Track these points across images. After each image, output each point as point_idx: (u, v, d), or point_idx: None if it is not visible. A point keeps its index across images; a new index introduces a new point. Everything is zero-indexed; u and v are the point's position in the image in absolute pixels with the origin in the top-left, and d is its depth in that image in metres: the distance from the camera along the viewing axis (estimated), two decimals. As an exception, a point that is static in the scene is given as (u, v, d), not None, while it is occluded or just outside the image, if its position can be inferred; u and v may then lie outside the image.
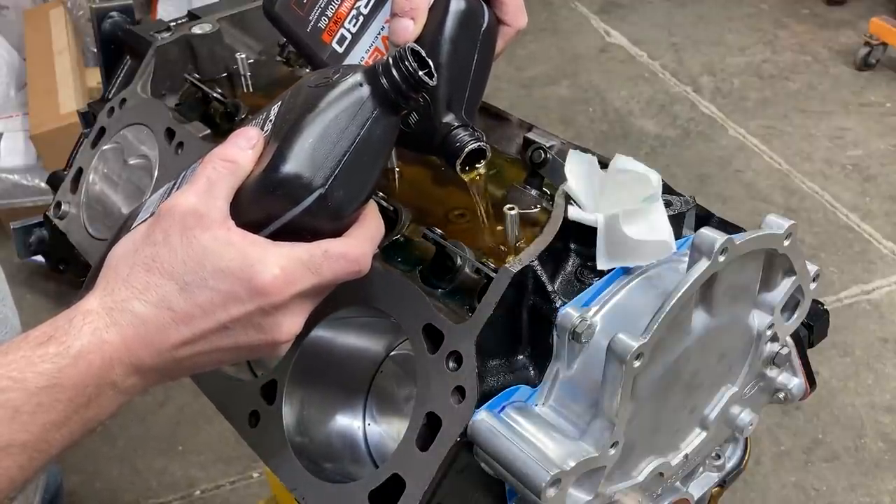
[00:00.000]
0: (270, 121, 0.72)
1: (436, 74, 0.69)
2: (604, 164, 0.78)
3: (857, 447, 2.11)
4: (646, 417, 0.71)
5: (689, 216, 0.82)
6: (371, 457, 0.89)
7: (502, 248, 0.83)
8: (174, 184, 0.77)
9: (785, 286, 0.76)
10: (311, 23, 0.85)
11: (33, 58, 3.13)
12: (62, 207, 1.13)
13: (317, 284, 0.67)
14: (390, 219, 0.88)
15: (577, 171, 0.78)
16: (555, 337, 0.72)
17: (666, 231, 0.73)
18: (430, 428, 0.72)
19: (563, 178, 0.78)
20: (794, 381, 0.85)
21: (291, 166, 0.66)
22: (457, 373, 0.71)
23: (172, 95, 1.18)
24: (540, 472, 0.65)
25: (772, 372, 0.82)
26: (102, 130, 1.13)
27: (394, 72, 0.67)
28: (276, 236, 0.68)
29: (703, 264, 0.65)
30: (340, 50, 0.84)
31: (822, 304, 0.87)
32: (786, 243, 0.71)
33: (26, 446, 0.62)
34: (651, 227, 0.73)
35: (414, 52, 0.68)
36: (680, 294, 0.64)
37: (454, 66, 0.79)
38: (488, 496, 0.76)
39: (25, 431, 0.61)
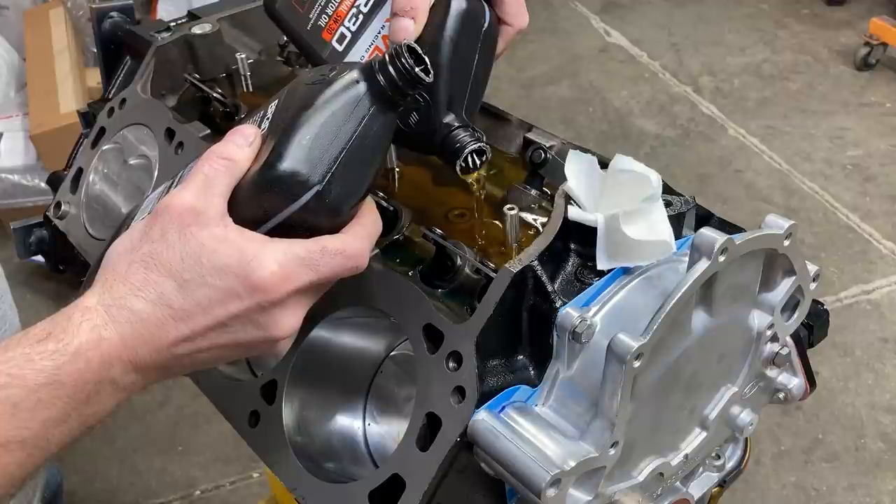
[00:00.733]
0: (268, 118, 0.72)
1: (432, 71, 0.69)
2: (604, 164, 0.78)
3: (857, 447, 2.11)
4: (646, 417, 0.71)
5: (689, 216, 0.82)
6: (371, 457, 0.89)
7: (502, 248, 0.83)
8: (172, 182, 0.77)
9: (785, 286, 0.76)
10: (312, 21, 0.85)
11: (33, 58, 3.13)
12: (62, 207, 1.13)
13: (315, 281, 0.67)
14: (390, 219, 0.88)
15: (577, 171, 0.78)
16: (555, 337, 0.72)
17: (666, 231, 0.73)
18: (430, 428, 0.72)
19: (563, 178, 0.78)
20: (794, 381, 0.85)
21: (288, 163, 0.67)
22: (457, 373, 0.71)
23: (172, 95, 1.18)
24: (540, 473, 0.65)
25: (772, 372, 0.82)
26: (102, 130, 1.13)
27: (390, 68, 0.67)
28: (274, 233, 0.68)
29: (703, 264, 0.65)
30: (340, 48, 0.84)
31: (822, 304, 0.87)
32: (786, 243, 0.71)
33: (26, 443, 0.62)
34: (651, 227, 0.73)
35: (410, 49, 0.68)
36: (680, 294, 0.64)
37: (455, 66, 0.79)
38: (488, 496, 0.76)
39: (25, 428, 0.61)
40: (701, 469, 0.87)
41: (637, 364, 0.63)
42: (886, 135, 3.14)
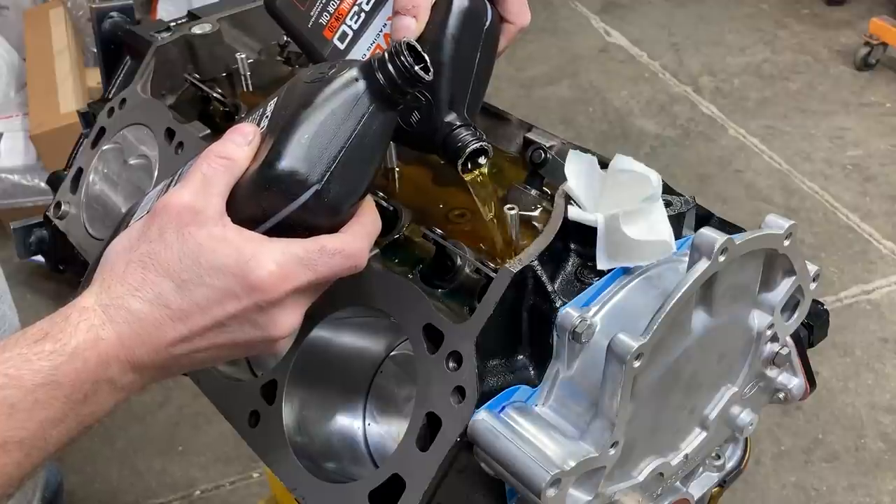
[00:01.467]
0: (267, 117, 0.71)
1: (432, 69, 0.69)
2: (604, 164, 0.78)
3: (857, 447, 2.11)
4: (646, 417, 0.71)
5: (689, 216, 0.82)
6: (371, 457, 0.89)
7: (502, 248, 0.83)
8: (171, 181, 0.77)
9: (785, 286, 0.76)
10: (313, 19, 0.85)
11: (33, 58, 3.13)
12: (62, 207, 1.13)
13: (313, 280, 0.67)
14: (390, 219, 0.88)
15: (577, 171, 0.78)
16: (555, 337, 0.72)
17: (666, 231, 0.73)
18: (430, 428, 0.72)
19: (563, 178, 0.78)
20: (794, 381, 0.85)
21: (287, 162, 0.66)
22: (457, 373, 0.71)
23: (172, 95, 1.18)
24: (540, 473, 0.65)
25: (772, 372, 0.82)
26: (102, 130, 1.13)
27: (389, 67, 0.67)
28: (273, 232, 0.67)
29: (703, 264, 0.65)
30: (342, 46, 0.84)
31: (822, 304, 0.87)
32: (786, 243, 0.71)
33: (23, 443, 0.62)
34: (651, 227, 0.73)
35: (410, 47, 0.68)
36: (680, 294, 0.64)
37: (456, 64, 0.79)
38: (488, 496, 0.76)
39: (22, 428, 0.61)
40: (701, 469, 0.87)
41: (637, 364, 0.63)
42: (886, 135, 3.14)
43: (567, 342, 0.71)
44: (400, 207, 0.88)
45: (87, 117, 1.24)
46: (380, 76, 0.67)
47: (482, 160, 0.79)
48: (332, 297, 0.75)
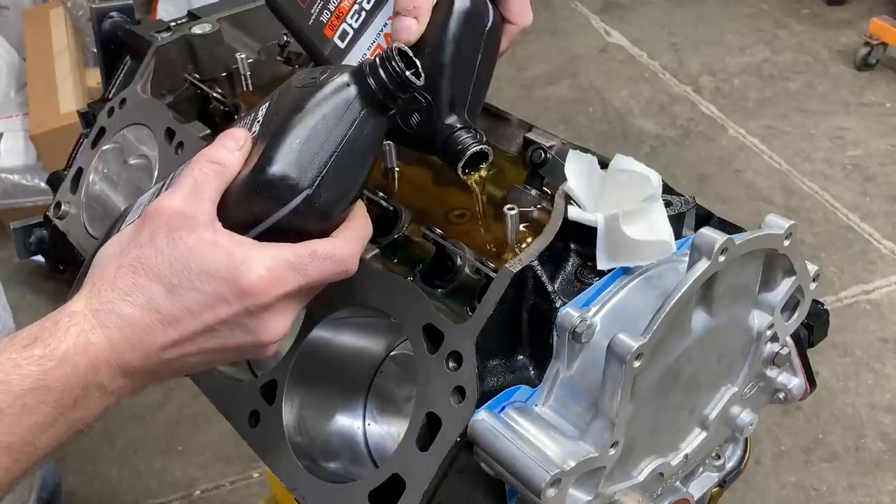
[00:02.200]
0: (258, 121, 0.71)
1: (423, 74, 0.69)
2: (604, 164, 0.78)
3: (857, 447, 2.11)
4: (646, 417, 0.71)
5: (689, 216, 0.82)
6: (371, 457, 0.89)
7: (501, 248, 0.83)
8: (163, 185, 0.77)
9: (785, 286, 0.76)
10: (313, 16, 0.84)
11: (33, 58, 3.13)
12: (62, 207, 1.13)
13: (303, 285, 0.67)
14: (390, 219, 0.88)
15: (577, 171, 0.78)
16: (555, 337, 0.72)
17: (666, 231, 0.73)
18: (430, 428, 0.72)
19: (563, 178, 0.78)
20: (794, 381, 0.85)
21: (278, 167, 0.66)
22: (457, 373, 0.71)
23: (172, 95, 1.18)
24: (540, 473, 0.65)
25: (772, 372, 0.82)
26: (102, 130, 1.13)
27: (381, 72, 0.67)
28: (264, 237, 0.67)
29: (703, 264, 0.65)
30: (342, 45, 0.84)
31: (822, 304, 0.87)
32: (786, 243, 0.71)
33: (11, 448, 0.61)
34: (651, 227, 0.73)
35: (401, 52, 0.67)
36: (680, 294, 0.64)
37: (457, 66, 0.78)
38: (488, 496, 0.76)
39: (11, 434, 0.61)
40: (701, 469, 0.87)
41: (637, 364, 0.63)
42: (886, 135, 3.14)
43: (567, 342, 0.71)
44: (400, 207, 0.88)
45: (87, 117, 1.24)
46: (371, 81, 0.67)
47: (482, 164, 0.79)
48: (332, 298, 0.74)
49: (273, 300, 0.66)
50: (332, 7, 0.83)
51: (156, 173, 1.02)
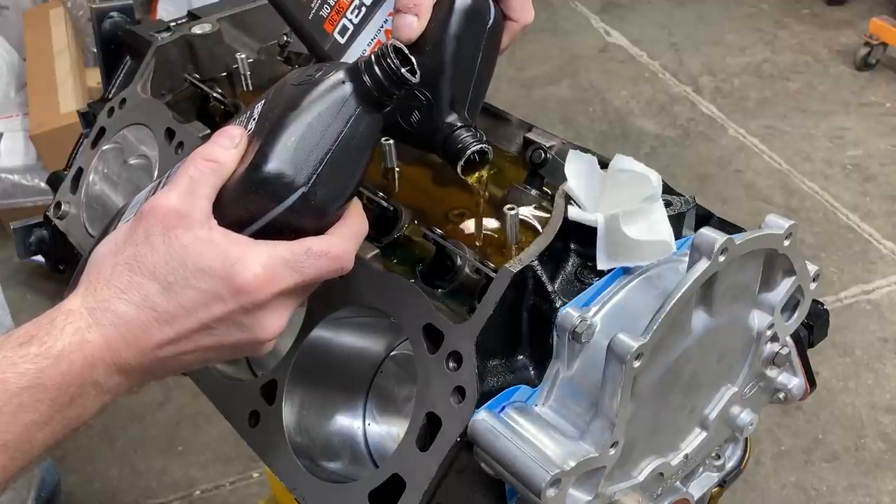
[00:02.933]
0: (254, 119, 0.71)
1: (418, 71, 0.68)
2: (604, 164, 0.78)
3: (857, 447, 2.11)
4: (646, 417, 0.71)
5: (689, 216, 0.82)
6: (371, 457, 0.89)
7: (502, 248, 0.83)
8: (159, 183, 0.77)
9: (785, 286, 0.76)
10: (313, 10, 0.84)
11: (33, 58, 3.13)
12: (62, 207, 1.13)
13: (299, 283, 0.67)
14: (390, 219, 0.88)
15: (577, 171, 0.78)
16: (555, 337, 0.72)
17: (666, 231, 0.73)
18: (430, 428, 0.72)
19: (563, 178, 0.78)
20: (794, 381, 0.85)
21: (274, 165, 0.66)
22: (457, 373, 0.71)
23: (172, 95, 1.18)
24: (540, 473, 0.65)
25: (772, 372, 0.82)
26: (102, 130, 1.13)
27: (376, 69, 0.67)
28: (260, 235, 0.67)
29: (703, 264, 0.65)
30: (342, 41, 0.83)
31: (822, 304, 0.87)
32: (786, 243, 0.71)
33: (7, 447, 0.61)
34: (651, 227, 0.73)
35: (396, 49, 0.67)
36: (680, 294, 0.64)
37: (458, 64, 0.78)
38: (488, 496, 0.76)
39: (7, 432, 0.61)
40: (701, 469, 0.87)
41: (637, 364, 0.63)
42: (886, 135, 3.14)
43: (567, 342, 0.71)
44: (400, 207, 0.88)
45: (87, 117, 1.24)
46: (366, 78, 0.67)
47: (482, 162, 0.79)
48: (332, 297, 0.74)
49: (269, 298, 0.66)
50: (332, 2, 0.83)
51: (156, 173, 1.03)
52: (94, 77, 2.97)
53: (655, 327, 0.63)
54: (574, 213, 0.75)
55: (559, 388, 0.72)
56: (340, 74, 0.68)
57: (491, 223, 0.87)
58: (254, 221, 0.68)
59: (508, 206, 0.81)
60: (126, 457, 2.17)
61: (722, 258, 0.66)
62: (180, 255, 0.65)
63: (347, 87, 0.68)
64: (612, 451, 0.67)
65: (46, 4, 3.40)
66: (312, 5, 0.84)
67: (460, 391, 0.71)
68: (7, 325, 1.39)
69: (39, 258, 1.26)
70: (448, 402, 0.71)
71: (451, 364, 0.72)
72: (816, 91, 3.40)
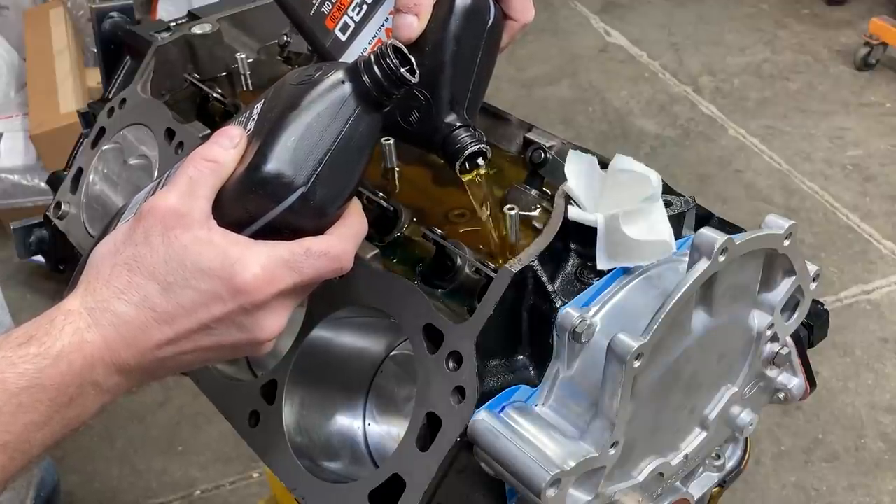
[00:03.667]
0: (253, 119, 0.71)
1: (418, 71, 0.68)
2: (604, 164, 0.78)
3: (857, 447, 2.11)
4: (646, 417, 0.71)
5: (689, 216, 0.82)
6: (371, 457, 0.89)
7: (502, 248, 0.83)
8: (158, 183, 0.77)
9: (785, 286, 0.76)
10: (315, 6, 0.84)
11: (33, 58, 3.13)
12: (62, 207, 1.13)
13: (298, 283, 0.67)
14: (390, 219, 0.88)
15: (577, 171, 0.78)
16: (555, 337, 0.72)
17: (666, 231, 0.73)
18: (430, 428, 0.72)
19: (563, 178, 0.78)
20: (794, 381, 0.85)
21: (273, 165, 0.66)
22: (457, 373, 0.71)
23: (172, 95, 1.18)
24: (540, 473, 0.65)
25: (772, 372, 0.82)
26: (102, 130, 1.13)
27: (375, 69, 0.67)
28: (259, 235, 0.67)
29: (703, 264, 0.65)
30: (343, 38, 0.83)
31: (822, 304, 0.87)
32: (786, 243, 0.71)
33: (7, 446, 0.61)
34: (651, 227, 0.73)
35: (396, 49, 0.67)
36: (680, 294, 0.64)
37: (458, 64, 0.78)
38: (488, 496, 0.76)
39: (6, 432, 0.61)
40: (701, 469, 0.87)
41: (637, 364, 0.63)
42: (886, 135, 3.14)
43: (567, 342, 0.71)
44: (400, 207, 0.88)
45: (87, 117, 1.24)
46: (366, 78, 0.67)
47: (481, 162, 0.79)
48: (332, 297, 0.74)
49: (268, 298, 0.66)
50: None
51: (156, 173, 1.03)
52: (94, 77, 2.97)
53: (655, 327, 0.63)
54: (574, 213, 0.75)
55: (559, 388, 0.72)
56: (340, 74, 0.68)
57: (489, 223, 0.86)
58: (253, 221, 0.68)
59: (508, 206, 0.81)
60: (126, 457, 2.17)
61: (722, 258, 0.66)
62: (179, 256, 0.65)
63: (347, 87, 0.68)
64: (612, 451, 0.67)
65: (46, 4, 3.40)
66: (314, 1, 0.84)
67: (460, 391, 0.71)
68: (7, 325, 1.39)
69: (39, 258, 1.26)
70: (448, 402, 0.71)
71: (451, 364, 0.72)
72: (816, 91, 3.40)
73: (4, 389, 0.61)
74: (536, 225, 0.85)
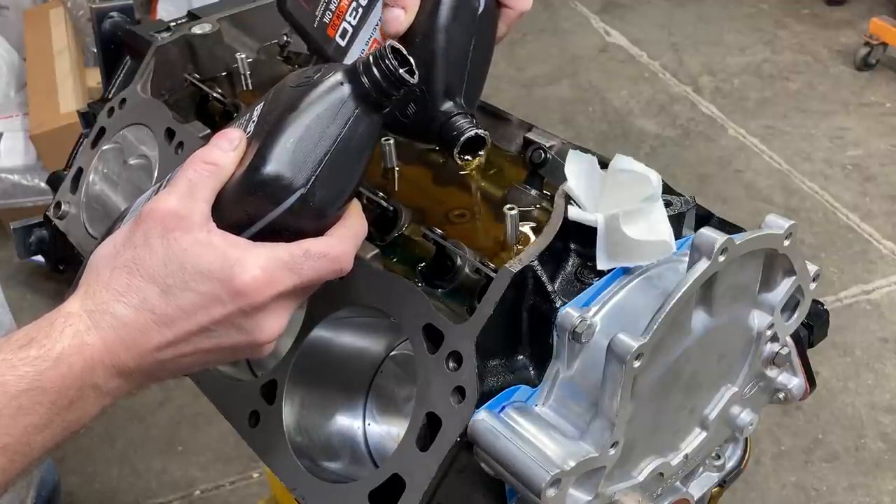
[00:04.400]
0: (253, 121, 0.71)
1: (417, 72, 0.68)
2: (604, 164, 0.78)
3: (857, 447, 2.11)
4: (646, 417, 0.71)
5: (689, 216, 0.82)
6: (371, 457, 0.89)
7: (502, 248, 0.83)
8: (159, 185, 0.77)
9: (785, 286, 0.76)
10: (318, 18, 0.85)
11: (33, 58, 3.13)
12: (62, 207, 1.13)
13: (298, 284, 0.67)
14: (390, 219, 0.88)
15: (577, 171, 0.78)
16: (555, 337, 0.72)
17: (666, 231, 0.73)
18: (430, 428, 0.72)
19: (563, 178, 0.78)
20: (794, 381, 0.85)
21: (272, 167, 0.66)
22: (457, 373, 0.71)
23: (172, 95, 1.18)
24: (540, 473, 0.65)
25: (772, 372, 0.82)
26: (102, 130, 1.13)
27: (374, 70, 0.67)
28: (258, 237, 0.67)
29: (703, 264, 0.65)
30: (343, 43, 0.84)
31: (822, 304, 0.87)
32: (786, 243, 0.71)
33: (7, 449, 0.62)
34: (651, 227, 0.73)
35: (394, 50, 0.67)
36: (680, 294, 0.64)
37: (450, 53, 0.78)
38: (488, 496, 0.76)
39: (6, 434, 0.61)
40: (701, 469, 0.87)
41: (637, 364, 0.63)
42: (886, 135, 3.14)
43: (567, 342, 0.71)
44: (400, 207, 0.88)
45: (87, 117, 1.24)
46: (364, 80, 0.67)
47: (480, 149, 0.79)
48: (332, 297, 0.74)
49: (268, 300, 0.66)
50: (332, 7, 0.84)
51: (156, 173, 1.03)
52: (94, 77, 2.97)
53: (655, 327, 0.63)
54: (574, 213, 0.75)
55: (559, 388, 0.72)
56: (339, 76, 0.68)
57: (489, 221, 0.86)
58: (253, 223, 0.68)
59: (508, 206, 0.81)
60: (126, 457, 2.17)
61: (722, 258, 0.66)
62: (179, 258, 0.65)
63: (346, 89, 0.68)
64: (612, 451, 0.67)
65: (46, 4, 3.40)
66: (317, 13, 0.85)
67: (460, 391, 0.71)
68: (7, 325, 1.39)
69: (39, 258, 1.26)
70: (448, 402, 0.71)
71: (451, 364, 0.72)
72: (816, 91, 3.40)
73: (4, 392, 0.61)
74: (536, 225, 0.85)
